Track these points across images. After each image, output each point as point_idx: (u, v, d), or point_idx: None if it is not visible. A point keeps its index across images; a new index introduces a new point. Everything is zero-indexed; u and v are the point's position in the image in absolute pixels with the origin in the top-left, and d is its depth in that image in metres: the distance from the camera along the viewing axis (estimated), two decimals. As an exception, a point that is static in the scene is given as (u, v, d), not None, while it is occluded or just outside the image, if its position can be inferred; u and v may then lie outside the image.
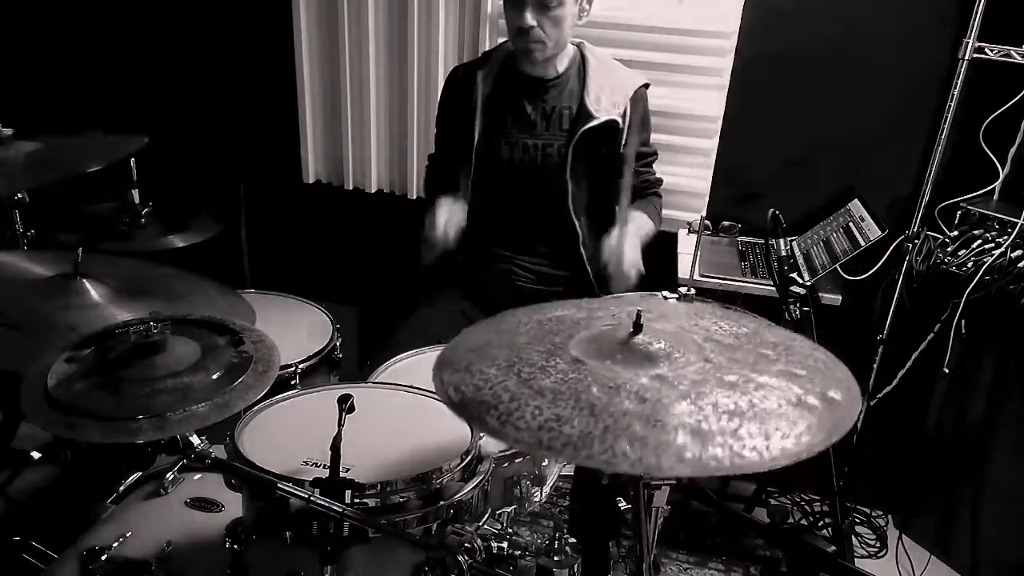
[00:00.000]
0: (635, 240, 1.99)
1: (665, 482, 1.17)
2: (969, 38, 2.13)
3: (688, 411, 0.91)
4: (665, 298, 1.44)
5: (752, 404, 0.93)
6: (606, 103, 2.05)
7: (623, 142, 2.08)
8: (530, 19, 1.93)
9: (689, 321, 1.17)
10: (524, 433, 0.90)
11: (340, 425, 1.14)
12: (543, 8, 1.93)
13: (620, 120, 2.06)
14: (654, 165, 2.24)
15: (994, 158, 2.21)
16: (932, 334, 2.32)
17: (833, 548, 2.18)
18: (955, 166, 2.27)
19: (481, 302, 2.11)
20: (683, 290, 1.51)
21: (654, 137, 2.23)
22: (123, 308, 1.49)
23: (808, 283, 2.04)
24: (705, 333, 1.12)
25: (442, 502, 1.22)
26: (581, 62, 2.10)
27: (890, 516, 2.57)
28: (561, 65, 2.09)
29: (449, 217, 2.00)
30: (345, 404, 1.16)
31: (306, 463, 1.24)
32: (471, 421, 0.96)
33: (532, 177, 2.09)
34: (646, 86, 2.14)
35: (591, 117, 2.03)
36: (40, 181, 1.75)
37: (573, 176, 2.07)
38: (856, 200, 2.24)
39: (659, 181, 2.24)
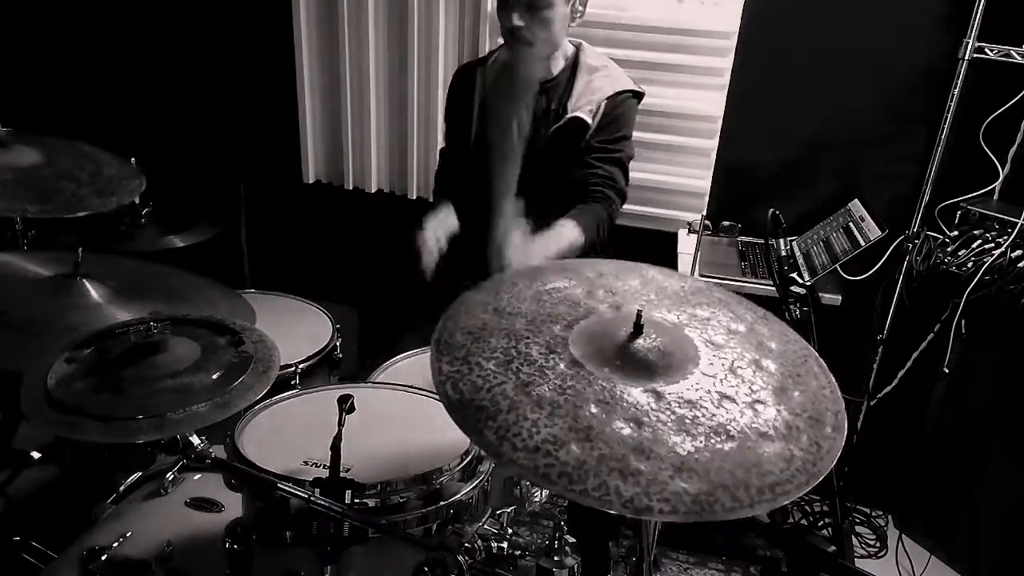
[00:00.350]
0: (528, 245, 1.86)
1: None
2: (969, 38, 2.12)
3: (682, 441, 0.92)
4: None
5: (746, 436, 0.94)
6: (583, 101, 2.04)
7: (585, 138, 2.04)
8: (516, 20, 1.93)
9: (687, 309, 1.17)
10: (521, 454, 0.90)
11: (340, 425, 1.14)
12: (531, 9, 1.92)
13: (588, 118, 2.03)
14: (618, 172, 2.08)
15: (994, 158, 2.21)
16: (932, 334, 2.32)
17: (833, 548, 2.18)
18: (955, 166, 2.26)
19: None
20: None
21: (655, 137, 2.23)
22: (123, 308, 1.49)
23: (808, 283, 2.04)
24: (702, 328, 1.12)
25: (442, 502, 1.22)
26: (575, 64, 2.10)
27: (890, 516, 2.57)
28: (556, 67, 2.09)
29: (438, 224, 2.04)
30: (345, 404, 1.16)
31: (306, 463, 1.24)
32: (470, 433, 0.96)
33: (521, 177, 2.09)
34: (637, 96, 2.10)
35: (563, 117, 2.03)
36: (35, 212, 1.74)
37: (546, 178, 2.04)
38: (856, 200, 2.24)
39: (610, 182, 2.05)
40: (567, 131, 2.04)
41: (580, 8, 2.01)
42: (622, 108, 2.09)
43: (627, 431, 0.93)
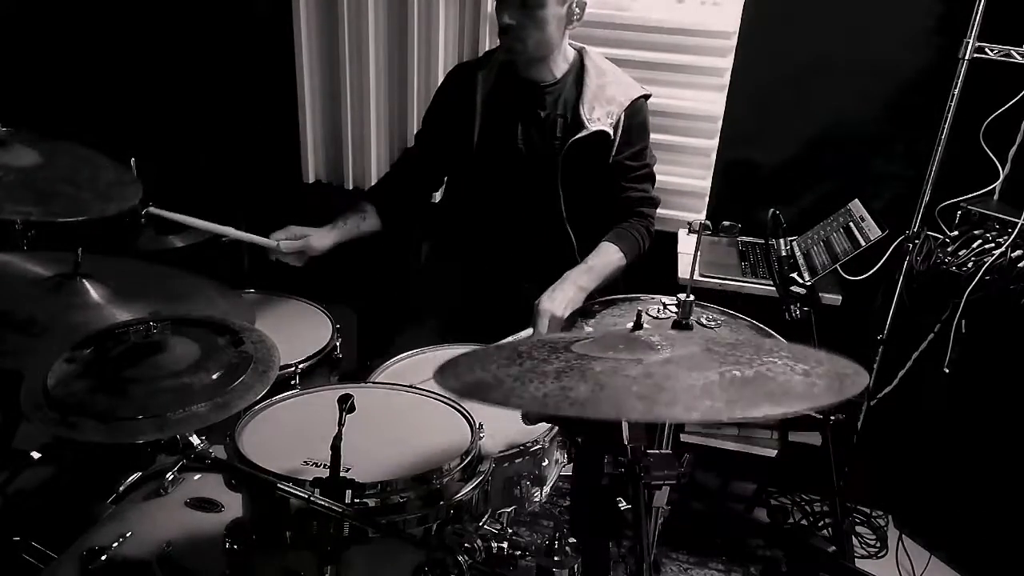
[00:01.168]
0: (568, 294, 1.90)
1: (666, 481, 1.17)
2: (969, 38, 2.13)
3: (696, 377, 0.92)
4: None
5: (763, 374, 0.93)
6: (600, 112, 2.01)
7: (612, 153, 2.05)
8: (507, 18, 1.91)
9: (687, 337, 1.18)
10: (529, 398, 0.90)
11: (340, 425, 1.14)
12: (524, 8, 1.90)
13: (611, 131, 2.02)
14: (650, 186, 2.15)
15: (994, 158, 2.21)
16: (932, 334, 2.32)
17: (833, 548, 2.18)
18: (955, 166, 2.26)
19: (475, 306, 2.12)
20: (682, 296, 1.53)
21: (655, 137, 2.22)
22: (123, 308, 1.49)
23: (808, 283, 2.05)
24: (703, 334, 1.13)
25: (442, 502, 1.22)
26: (580, 69, 2.07)
27: (890, 516, 2.57)
28: (559, 70, 2.06)
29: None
30: (345, 404, 1.16)
31: (306, 463, 1.24)
32: (475, 398, 0.96)
33: (526, 183, 2.08)
34: (646, 97, 2.10)
35: (582, 127, 2.00)
36: (25, 216, 1.74)
37: (565, 185, 2.05)
38: (856, 200, 2.24)
39: (647, 200, 2.13)
40: (589, 143, 2.02)
41: (578, 11, 1.98)
42: (640, 117, 2.09)
43: (639, 376, 0.93)
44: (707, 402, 0.87)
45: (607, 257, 2.03)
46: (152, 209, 1.68)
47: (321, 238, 2.07)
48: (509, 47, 1.98)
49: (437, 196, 2.54)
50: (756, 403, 0.88)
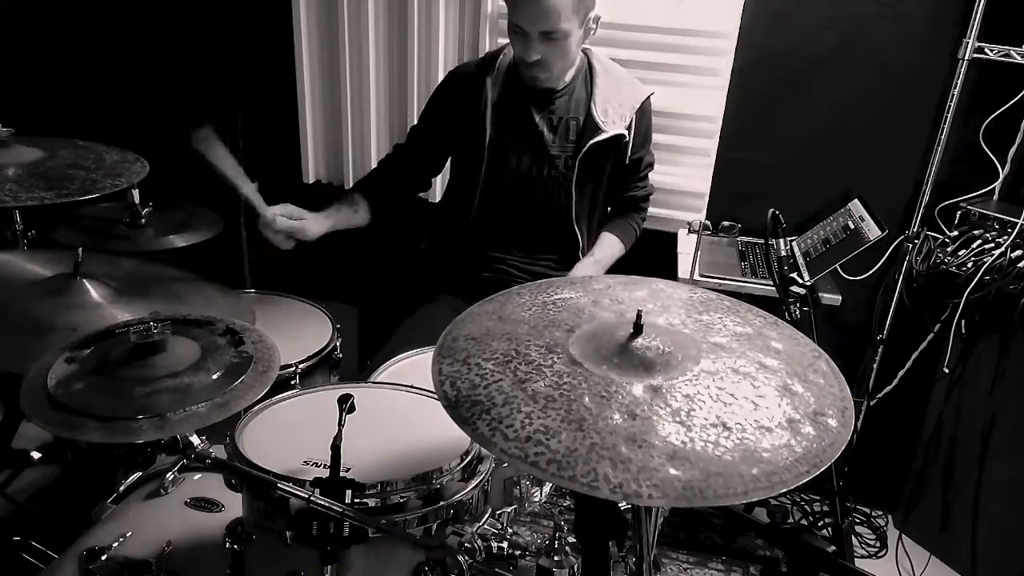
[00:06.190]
0: (592, 272, 2.08)
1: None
2: (969, 38, 2.13)
3: (676, 432, 0.92)
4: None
5: (743, 428, 0.93)
6: (613, 115, 2.04)
7: (628, 154, 2.10)
8: (534, 55, 1.92)
9: (693, 315, 1.17)
10: (512, 444, 0.90)
11: (340, 425, 1.14)
12: (548, 41, 1.90)
13: (627, 133, 2.07)
14: (650, 175, 2.26)
15: (994, 158, 2.21)
16: (932, 334, 2.33)
17: (833, 548, 2.18)
18: (955, 166, 2.27)
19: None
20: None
21: (655, 137, 2.24)
22: (123, 308, 1.49)
23: (808, 283, 2.04)
24: (707, 332, 1.12)
25: (442, 502, 1.22)
26: (588, 71, 2.09)
27: (890, 516, 2.57)
28: (568, 75, 2.07)
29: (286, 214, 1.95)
30: (345, 404, 1.16)
31: (306, 463, 1.24)
32: (463, 425, 0.96)
33: (538, 185, 2.09)
34: (649, 95, 2.14)
35: (599, 129, 2.02)
36: (38, 200, 1.75)
37: (578, 186, 2.07)
38: (856, 200, 2.23)
39: (647, 197, 2.27)
40: (604, 145, 2.05)
41: (594, 26, 1.99)
42: (648, 116, 2.16)
43: (620, 422, 0.93)
44: (675, 474, 0.87)
45: (611, 248, 2.18)
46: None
47: (317, 224, 2.01)
48: (535, 77, 1.99)
49: (438, 194, 2.54)
50: (729, 478, 0.87)
